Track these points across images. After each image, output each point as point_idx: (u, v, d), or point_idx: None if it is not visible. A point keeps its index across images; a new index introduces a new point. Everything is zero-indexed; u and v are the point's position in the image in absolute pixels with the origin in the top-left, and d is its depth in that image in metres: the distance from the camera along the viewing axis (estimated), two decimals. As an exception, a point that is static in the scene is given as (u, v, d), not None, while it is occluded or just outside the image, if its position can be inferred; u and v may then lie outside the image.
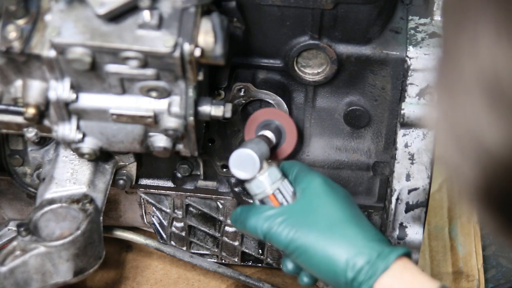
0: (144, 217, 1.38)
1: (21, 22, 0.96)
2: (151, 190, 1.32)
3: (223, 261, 1.40)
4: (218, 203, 1.32)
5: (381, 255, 0.96)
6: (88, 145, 1.05)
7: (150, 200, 1.34)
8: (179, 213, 1.34)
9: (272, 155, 1.15)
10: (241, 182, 1.28)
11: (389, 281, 0.95)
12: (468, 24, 0.52)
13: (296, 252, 1.00)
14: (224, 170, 1.26)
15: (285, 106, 1.18)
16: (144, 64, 0.94)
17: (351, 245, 0.98)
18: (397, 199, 1.17)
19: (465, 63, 0.52)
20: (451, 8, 0.56)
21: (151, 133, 1.05)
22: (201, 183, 1.30)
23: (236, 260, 1.39)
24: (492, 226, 0.56)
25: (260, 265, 1.40)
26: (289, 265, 1.06)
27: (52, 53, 0.94)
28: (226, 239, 1.35)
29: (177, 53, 0.92)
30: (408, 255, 0.99)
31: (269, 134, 1.14)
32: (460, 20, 0.53)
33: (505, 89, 0.48)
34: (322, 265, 0.98)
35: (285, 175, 1.07)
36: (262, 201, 1.05)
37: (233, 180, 1.29)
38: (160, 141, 1.05)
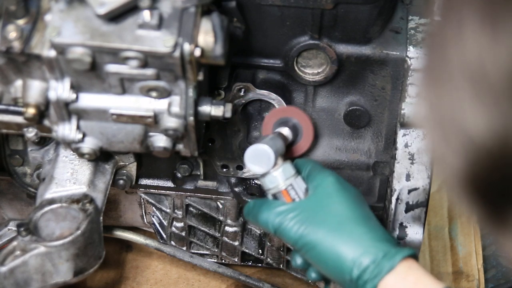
0: (144, 217, 1.38)
1: (21, 22, 0.96)
2: (151, 190, 1.32)
3: (223, 261, 1.40)
4: (218, 203, 1.32)
5: (387, 255, 0.97)
6: (88, 145, 1.05)
7: (150, 200, 1.34)
8: (179, 213, 1.34)
9: (288, 152, 1.16)
10: (242, 182, 1.28)
11: (393, 281, 0.96)
12: (454, 15, 0.52)
13: (304, 248, 1.01)
14: (224, 170, 1.26)
15: (285, 105, 1.18)
16: (144, 64, 0.94)
17: (358, 244, 0.99)
18: (397, 199, 1.17)
19: (451, 53, 0.52)
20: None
21: (151, 133, 1.05)
22: (201, 183, 1.30)
23: (236, 260, 1.39)
24: (477, 214, 0.56)
25: (260, 265, 1.41)
26: (298, 260, 1.08)
27: (52, 53, 0.94)
28: (226, 239, 1.35)
29: (177, 53, 0.92)
30: (414, 256, 1.00)
31: (285, 131, 1.15)
32: (446, 11, 0.53)
33: (490, 78, 0.49)
34: (329, 262, 1.00)
35: (298, 172, 1.08)
36: (275, 196, 1.07)
37: (233, 180, 1.29)
38: (160, 141, 1.05)
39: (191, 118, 1.00)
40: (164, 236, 1.38)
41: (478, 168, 0.52)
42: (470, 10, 0.50)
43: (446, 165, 0.55)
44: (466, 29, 0.50)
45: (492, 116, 0.50)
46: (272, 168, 1.06)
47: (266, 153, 1.05)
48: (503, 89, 0.48)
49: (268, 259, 1.38)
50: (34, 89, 1.00)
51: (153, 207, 1.36)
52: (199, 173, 1.29)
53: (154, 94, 0.99)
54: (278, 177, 1.06)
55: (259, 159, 1.06)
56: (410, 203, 1.17)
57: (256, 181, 1.27)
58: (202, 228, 1.35)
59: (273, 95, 1.18)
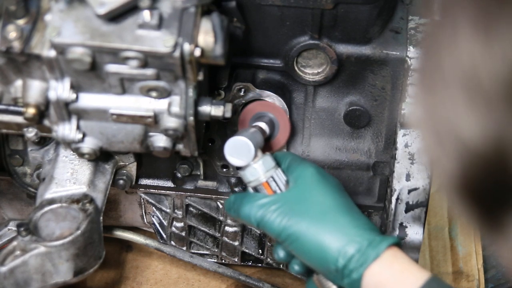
0: (144, 217, 1.38)
1: (21, 22, 0.96)
2: (151, 190, 1.32)
3: (223, 261, 1.40)
4: (218, 203, 1.32)
5: (372, 244, 0.98)
6: (88, 145, 1.05)
7: (150, 200, 1.34)
8: (179, 213, 1.34)
9: (265, 147, 1.15)
10: (242, 182, 1.28)
11: (379, 269, 0.97)
12: (447, 21, 0.53)
13: (288, 240, 1.01)
14: (224, 170, 1.26)
15: (285, 105, 1.18)
16: (144, 64, 0.94)
17: (342, 234, 0.99)
18: (397, 199, 1.17)
19: (445, 59, 0.53)
20: (431, 7, 0.57)
21: (151, 133, 1.05)
22: (201, 183, 1.30)
23: (236, 260, 1.39)
24: (470, 218, 0.57)
25: (260, 265, 1.40)
26: (280, 253, 1.08)
27: (52, 53, 0.94)
28: (226, 239, 1.35)
29: (177, 53, 0.92)
30: (398, 244, 1.00)
31: (263, 125, 1.15)
32: (440, 17, 0.54)
33: (483, 85, 0.49)
34: (314, 253, 1.00)
35: (278, 164, 1.07)
36: (255, 189, 1.06)
37: (233, 180, 1.29)
38: (160, 141, 1.05)
39: (191, 118, 1.00)
40: (164, 236, 1.38)
41: (471, 173, 0.53)
42: (464, 17, 0.51)
43: (440, 169, 0.56)
44: (460, 35, 0.51)
45: (485, 122, 0.50)
46: (252, 161, 1.05)
47: (246, 145, 1.05)
48: (496, 95, 0.49)
49: (268, 259, 1.38)
50: (34, 89, 1.00)
51: (153, 207, 1.36)
52: (199, 173, 1.29)
53: (154, 94, 0.99)
54: (259, 169, 1.05)
55: (239, 151, 1.05)
56: (410, 203, 1.17)
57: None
58: (202, 228, 1.35)
59: (273, 95, 1.18)
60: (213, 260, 1.39)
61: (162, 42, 0.92)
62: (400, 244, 1.01)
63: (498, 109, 0.49)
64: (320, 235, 0.99)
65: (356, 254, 0.97)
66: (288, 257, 1.08)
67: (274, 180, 1.05)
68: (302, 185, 1.04)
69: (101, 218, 1.14)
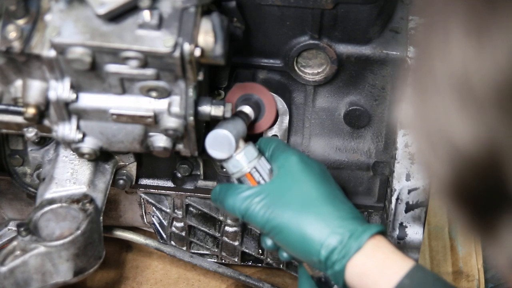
0: (144, 217, 1.38)
1: (21, 22, 0.96)
2: (151, 190, 1.32)
3: (223, 261, 1.40)
4: (218, 203, 1.32)
5: (354, 234, 0.98)
6: (88, 145, 1.05)
7: (150, 200, 1.34)
8: (179, 213, 1.34)
9: (251, 129, 1.15)
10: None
11: (362, 260, 0.97)
12: (439, 25, 0.53)
13: (272, 232, 1.02)
14: (224, 170, 1.26)
15: (285, 105, 1.18)
16: (144, 64, 0.94)
17: (324, 225, 0.99)
18: (397, 199, 1.17)
19: (437, 63, 0.53)
20: (424, 11, 0.57)
21: (151, 133, 1.05)
22: (201, 183, 1.30)
23: (236, 260, 1.39)
24: (462, 222, 0.57)
25: (260, 265, 1.41)
26: (268, 242, 1.09)
27: (52, 53, 0.94)
28: (226, 239, 1.35)
29: (177, 53, 0.92)
30: (382, 233, 1.00)
31: (247, 109, 1.14)
32: (432, 21, 0.54)
33: (475, 89, 0.49)
34: (297, 245, 1.00)
35: (262, 152, 1.07)
36: (239, 180, 1.07)
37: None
38: (160, 141, 1.05)
39: (191, 118, 1.01)
40: (164, 236, 1.38)
41: (464, 177, 0.53)
42: (456, 21, 0.51)
43: (432, 173, 0.56)
44: (452, 40, 0.51)
45: (477, 127, 0.50)
46: (234, 152, 1.05)
47: (227, 138, 1.05)
48: (488, 100, 0.49)
49: (268, 259, 1.38)
50: (34, 89, 1.00)
51: (153, 207, 1.36)
52: (199, 173, 1.29)
53: (154, 94, 0.99)
54: (241, 161, 1.05)
55: (219, 144, 1.05)
56: (410, 203, 1.17)
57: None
58: (202, 228, 1.35)
59: (273, 95, 1.18)
60: (213, 260, 1.39)
61: (162, 42, 0.92)
62: (384, 232, 1.01)
63: (489, 114, 0.49)
64: (303, 228, 1.00)
65: (338, 246, 0.97)
66: (276, 246, 1.08)
67: (257, 171, 1.05)
68: (285, 174, 1.04)
69: (101, 218, 1.14)
